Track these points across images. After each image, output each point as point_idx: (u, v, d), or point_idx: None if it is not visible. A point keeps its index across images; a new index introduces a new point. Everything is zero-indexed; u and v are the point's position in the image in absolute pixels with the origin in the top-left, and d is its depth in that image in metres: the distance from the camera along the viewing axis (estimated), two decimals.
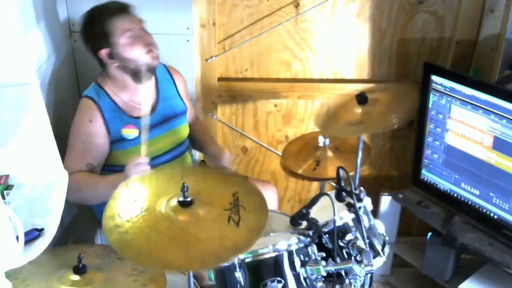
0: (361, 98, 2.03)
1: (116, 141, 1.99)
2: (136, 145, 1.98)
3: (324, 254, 1.57)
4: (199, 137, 2.32)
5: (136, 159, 1.83)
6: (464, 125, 2.17)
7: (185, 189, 1.58)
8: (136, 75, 1.97)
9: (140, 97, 2.04)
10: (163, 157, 2.09)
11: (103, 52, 1.94)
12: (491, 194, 2.14)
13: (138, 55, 1.93)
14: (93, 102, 1.97)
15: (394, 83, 2.60)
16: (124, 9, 1.95)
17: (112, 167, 2.03)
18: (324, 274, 1.49)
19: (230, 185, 1.55)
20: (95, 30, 1.93)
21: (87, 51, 2.02)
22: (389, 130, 2.73)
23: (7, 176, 1.25)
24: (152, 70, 2.00)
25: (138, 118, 2.01)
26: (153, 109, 2.07)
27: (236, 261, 1.48)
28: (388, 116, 1.97)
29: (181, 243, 1.37)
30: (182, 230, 1.39)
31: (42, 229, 1.19)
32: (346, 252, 1.60)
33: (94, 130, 1.95)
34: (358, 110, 2.04)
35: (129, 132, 1.99)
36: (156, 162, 2.03)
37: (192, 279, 1.55)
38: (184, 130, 2.19)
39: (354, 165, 2.13)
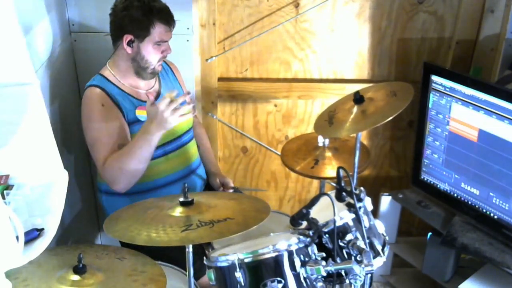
0: (358, 97, 2.05)
1: (130, 123, 2.01)
2: None
3: (324, 254, 1.57)
4: (204, 151, 2.36)
5: (156, 107, 1.82)
6: (464, 125, 2.17)
7: (186, 190, 1.59)
8: (139, 71, 2.02)
9: (142, 84, 2.09)
10: (172, 144, 2.11)
11: (127, 37, 1.95)
12: (491, 194, 2.14)
13: (152, 60, 2.00)
14: (99, 89, 1.98)
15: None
16: (171, 24, 1.98)
17: None
18: (324, 274, 1.49)
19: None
20: (137, 18, 1.93)
21: (111, 26, 2.00)
22: (386, 127, 2.74)
23: (7, 176, 1.25)
24: (154, 74, 2.07)
25: (145, 101, 2.01)
26: (158, 94, 2.12)
27: (236, 261, 1.48)
28: (383, 112, 1.99)
29: None
30: None
31: (42, 229, 1.19)
32: (346, 252, 1.60)
33: (109, 112, 1.97)
34: (355, 109, 2.06)
35: (143, 113, 2.01)
36: (166, 148, 2.09)
37: (192, 280, 1.56)
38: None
39: (353, 167, 2.14)
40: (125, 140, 1.97)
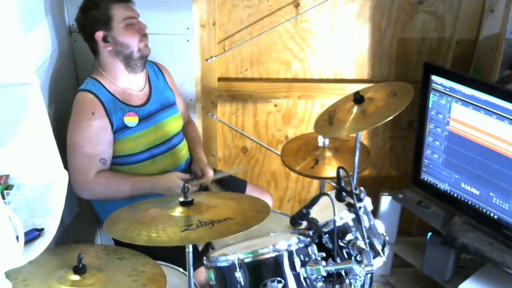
0: (358, 97, 2.06)
1: (118, 130, 2.01)
2: (136, 132, 2.04)
3: (324, 254, 1.57)
4: (190, 141, 2.35)
5: (176, 177, 2.03)
6: (464, 125, 2.17)
7: (186, 190, 1.58)
8: (128, 61, 2.03)
9: (134, 85, 2.09)
10: (160, 148, 2.12)
11: (99, 34, 1.98)
12: (491, 194, 2.14)
13: (132, 41, 2.00)
14: (92, 95, 1.98)
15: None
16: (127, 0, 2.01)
17: (115, 158, 2.05)
18: (324, 274, 1.49)
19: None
20: (94, 13, 1.98)
21: (82, 35, 2.05)
22: (386, 127, 2.74)
23: (7, 176, 1.25)
24: (143, 58, 2.06)
25: (136, 106, 2.06)
26: (149, 98, 2.12)
27: (236, 261, 1.48)
28: (383, 111, 1.99)
29: None
30: None
31: (42, 229, 1.20)
32: (346, 252, 1.60)
33: (99, 122, 1.96)
34: (355, 109, 2.06)
35: (131, 120, 2.03)
36: (153, 152, 2.10)
37: (192, 279, 1.56)
38: (179, 119, 2.23)
39: (353, 167, 2.14)
40: (107, 156, 2.00)
